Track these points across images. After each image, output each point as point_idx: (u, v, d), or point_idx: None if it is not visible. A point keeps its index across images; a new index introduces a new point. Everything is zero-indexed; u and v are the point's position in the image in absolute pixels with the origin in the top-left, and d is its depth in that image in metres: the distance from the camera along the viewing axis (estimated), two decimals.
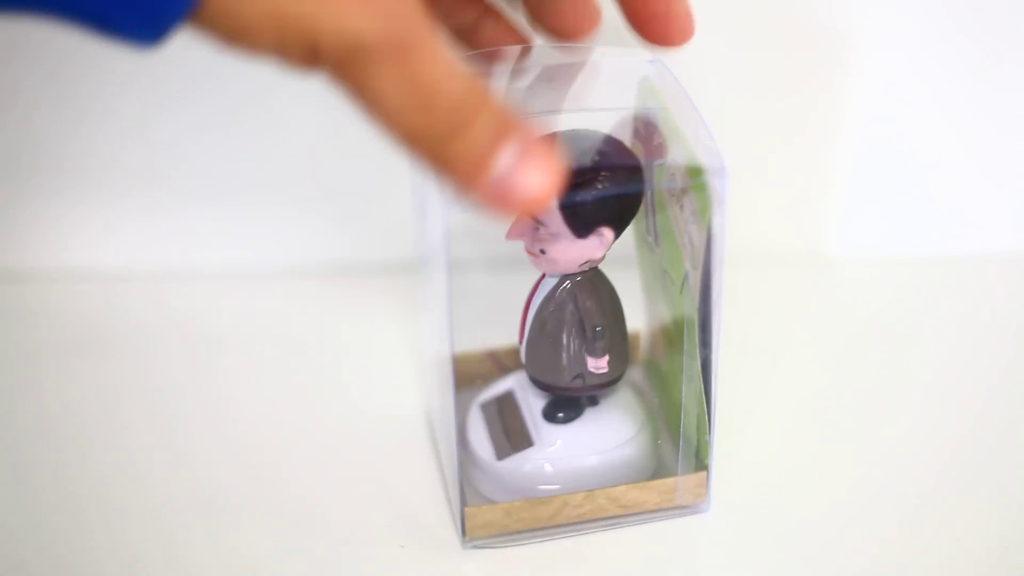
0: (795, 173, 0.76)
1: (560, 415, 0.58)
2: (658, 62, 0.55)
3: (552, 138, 0.43)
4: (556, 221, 0.53)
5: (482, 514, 0.56)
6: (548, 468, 0.57)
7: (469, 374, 0.64)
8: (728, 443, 0.60)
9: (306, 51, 0.39)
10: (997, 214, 0.77)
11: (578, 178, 0.51)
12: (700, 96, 0.54)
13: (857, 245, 0.77)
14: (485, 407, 0.61)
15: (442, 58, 0.40)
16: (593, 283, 0.56)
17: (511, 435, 0.58)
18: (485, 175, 0.41)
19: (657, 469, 0.60)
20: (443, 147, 0.41)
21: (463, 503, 0.56)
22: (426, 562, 0.56)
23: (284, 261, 0.76)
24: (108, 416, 0.66)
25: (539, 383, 0.58)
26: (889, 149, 0.75)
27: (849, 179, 0.76)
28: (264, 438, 0.64)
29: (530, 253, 0.55)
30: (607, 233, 0.54)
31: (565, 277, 0.56)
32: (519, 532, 0.57)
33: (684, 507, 0.58)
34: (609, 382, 0.57)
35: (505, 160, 0.41)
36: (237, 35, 0.39)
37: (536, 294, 0.56)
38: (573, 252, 0.54)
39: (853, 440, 0.63)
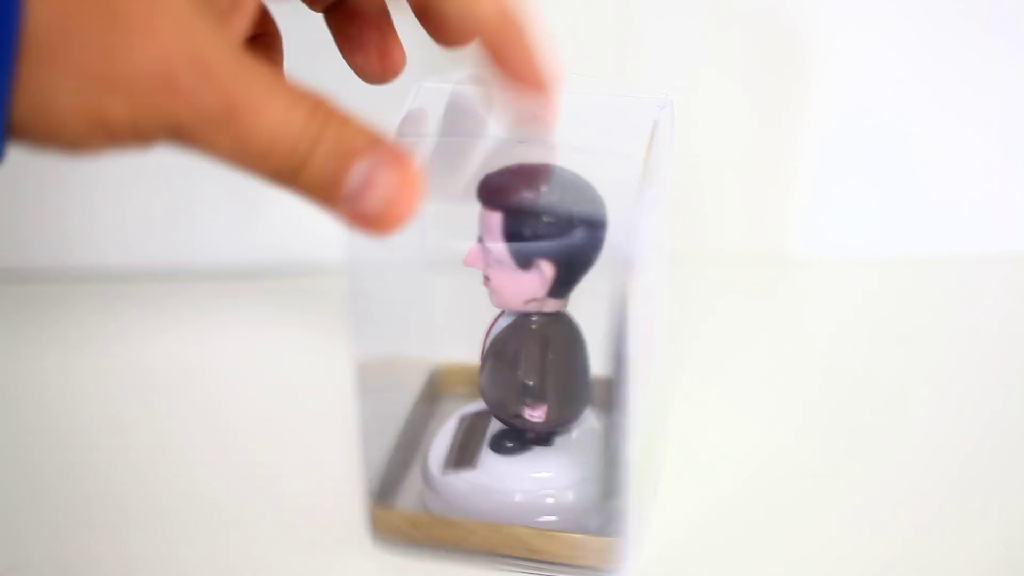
0: (759, 172, 0.74)
1: (508, 444, 0.57)
2: (669, 106, 0.54)
3: (410, 154, 0.43)
4: (499, 247, 0.52)
5: (389, 518, 0.56)
6: (476, 494, 0.57)
7: (451, 382, 0.64)
8: (685, 455, 0.60)
9: (137, 140, 0.41)
10: (965, 215, 0.75)
11: (531, 207, 0.52)
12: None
13: (821, 246, 0.76)
14: (462, 419, 0.60)
15: (270, 108, 0.41)
16: (546, 330, 0.55)
17: (461, 453, 0.58)
18: (337, 199, 0.42)
19: (603, 523, 0.56)
20: (294, 181, 0.42)
21: (371, 500, 0.57)
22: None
23: (281, 262, 0.76)
24: (107, 416, 0.66)
25: (491, 410, 0.57)
26: (854, 148, 0.73)
27: (813, 179, 0.74)
28: (261, 436, 0.64)
29: (484, 282, 0.54)
30: (547, 270, 0.53)
31: (521, 316, 0.55)
32: (427, 546, 0.57)
33: (598, 569, 0.56)
34: (549, 430, 0.57)
35: (356, 179, 0.42)
36: (72, 149, 0.40)
37: (495, 325, 0.56)
38: (515, 286, 0.53)
39: (825, 445, 0.62)
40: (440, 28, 0.49)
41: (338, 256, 0.72)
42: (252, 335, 0.71)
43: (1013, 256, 0.75)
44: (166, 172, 0.75)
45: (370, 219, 0.42)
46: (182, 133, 0.40)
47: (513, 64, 0.49)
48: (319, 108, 0.42)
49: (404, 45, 0.53)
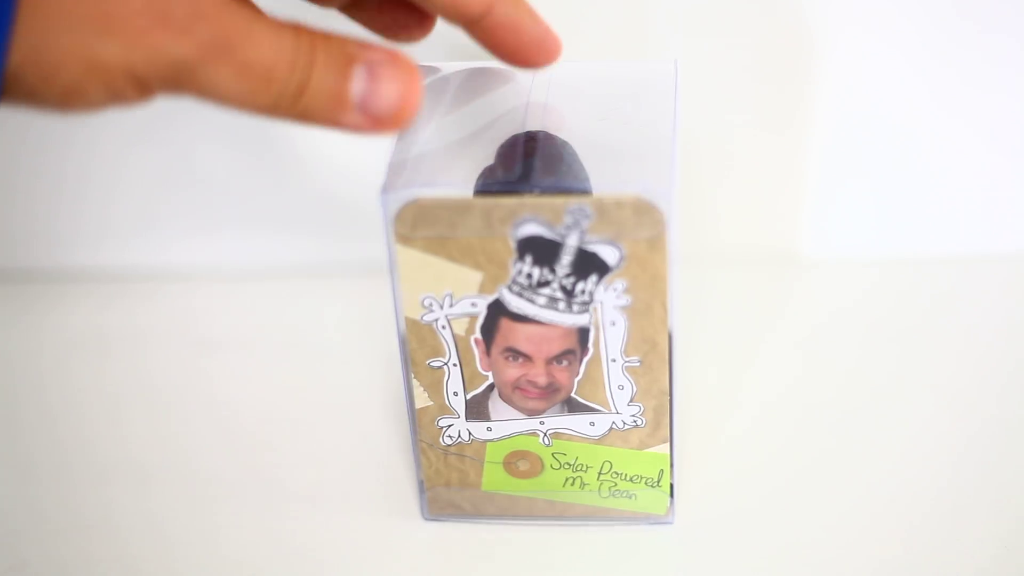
0: (767, 170, 0.74)
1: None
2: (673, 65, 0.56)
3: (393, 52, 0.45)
4: None
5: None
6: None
7: None
8: (697, 450, 0.60)
9: (136, 88, 0.41)
10: (976, 213, 0.75)
11: None
12: None
13: (831, 244, 0.75)
14: None
15: (260, 35, 0.41)
16: None
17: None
18: (347, 107, 0.43)
19: None
20: (298, 105, 0.43)
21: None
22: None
23: (280, 262, 0.76)
24: (108, 416, 0.66)
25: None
26: (865, 145, 0.73)
27: (823, 176, 0.74)
28: (260, 434, 0.64)
29: None
30: None
31: None
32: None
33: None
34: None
35: (358, 85, 0.43)
36: (68, 100, 0.40)
37: None
38: None
39: (830, 446, 0.62)
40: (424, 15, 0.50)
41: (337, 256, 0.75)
42: (255, 336, 0.71)
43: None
44: (166, 173, 0.75)
45: (384, 117, 0.43)
46: (183, 73, 0.40)
47: (511, 34, 0.49)
48: (301, 29, 0.43)
49: None
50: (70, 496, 0.61)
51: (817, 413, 0.64)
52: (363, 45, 0.44)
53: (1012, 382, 0.66)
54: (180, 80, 0.41)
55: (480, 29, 0.49)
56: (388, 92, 0.43)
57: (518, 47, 0.50)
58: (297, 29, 0.43)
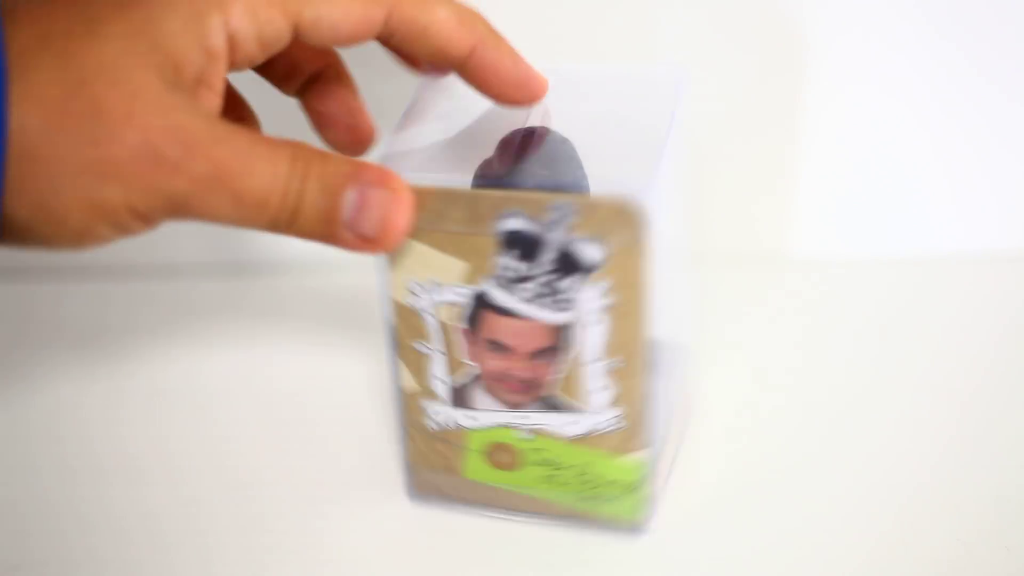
0: (757, 170, 0.74)
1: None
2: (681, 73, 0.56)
3: (392, 172, 0.47)
4: None
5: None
6: None
7: None
8: (686, 451, 0.60)
9: (140, 221, 0.43)
10: (966, 214, 0.75)
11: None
12: None
13: (827, 245, 0.75)
14: None
15: (254, 164, 0.43)
16: None
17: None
18: (338, 228, 0.45)
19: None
20: (293, 226, 0.45)
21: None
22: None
23: (280, 260, 0.77)
24: (107, 415, 0.66)
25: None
26: (862, 145, 0.73)
27: (813, 177, 0.74)
28: (260, 432, 0.65)
29: None
30: None
31: None
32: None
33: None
34: None
35: (348, 209, 0.45)
36: (80, 240, 0.43)
37: None
38: None
39: (821, 450, 0.62)
40: (413, 58, 0.52)
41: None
42: (256, 333, 0.72)
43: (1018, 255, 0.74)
44: None
45: (371, 239, 0.46)
46: (180, 205, 0.43)
47: (493, 75, 0.51)
48: (298, 152, 0.45)
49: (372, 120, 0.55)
50: (69, 496, 0.61)
51: (810, 415, 0.64)
52: (356, 165, 0.45)
53: (1011, 382, 0.66)
54: (179, 210, 0.43)
55: (464, 71, 0.51)
56: (376, 216, 0.45)
57: (501, 87, 0.51)
58: (293, 152, 0.44)
